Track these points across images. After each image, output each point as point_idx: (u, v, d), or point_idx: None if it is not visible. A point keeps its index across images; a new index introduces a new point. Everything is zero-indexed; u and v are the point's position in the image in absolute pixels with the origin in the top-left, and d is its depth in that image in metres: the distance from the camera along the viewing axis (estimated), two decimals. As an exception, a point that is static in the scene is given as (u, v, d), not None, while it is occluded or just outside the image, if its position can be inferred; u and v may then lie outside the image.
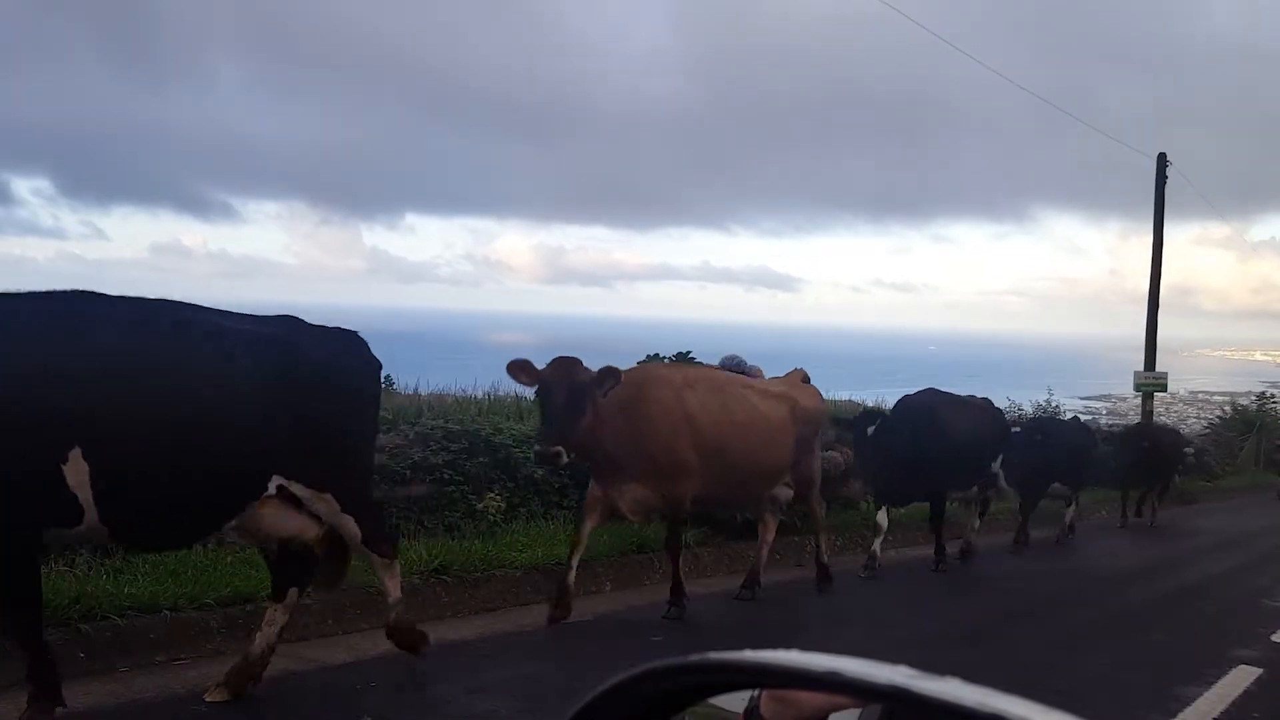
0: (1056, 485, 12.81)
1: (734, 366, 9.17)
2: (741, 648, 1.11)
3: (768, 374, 9.13)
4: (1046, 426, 13.48)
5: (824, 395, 9.38)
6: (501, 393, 12.71)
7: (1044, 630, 7.77)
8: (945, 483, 10.08)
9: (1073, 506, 13.52)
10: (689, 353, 10.28)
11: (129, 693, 4.95)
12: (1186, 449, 21.63)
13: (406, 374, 12.96)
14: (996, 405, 11.99)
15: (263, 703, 4.95)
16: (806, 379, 8.63)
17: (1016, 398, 20.81)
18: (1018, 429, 12.34)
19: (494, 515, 8.09)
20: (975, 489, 10.94)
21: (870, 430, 9.45)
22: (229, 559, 6.33)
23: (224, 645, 5.64)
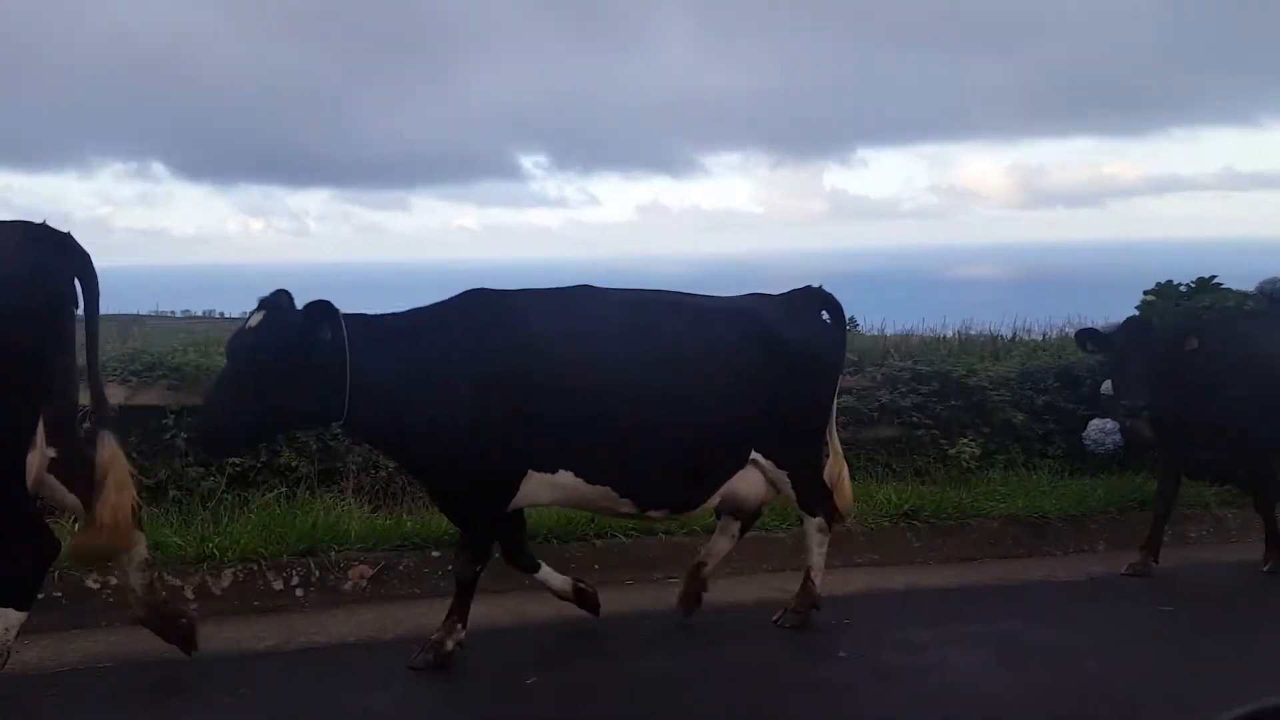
0: None
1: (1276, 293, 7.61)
2: None
3: None
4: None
5: None
6: (973, 332, 12.13)
7: None
8: None
9: None
10: (1213, 278, 8.47)
11: (635, 602, 5.61)
12: None
13: (872, 314, 12.90)
14: None
15: (736, 623, 5.29)
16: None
17: None
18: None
19: (967, 462, 7.76)
20: None
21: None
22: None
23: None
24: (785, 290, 5.47)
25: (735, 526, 5.43)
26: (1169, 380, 6.16)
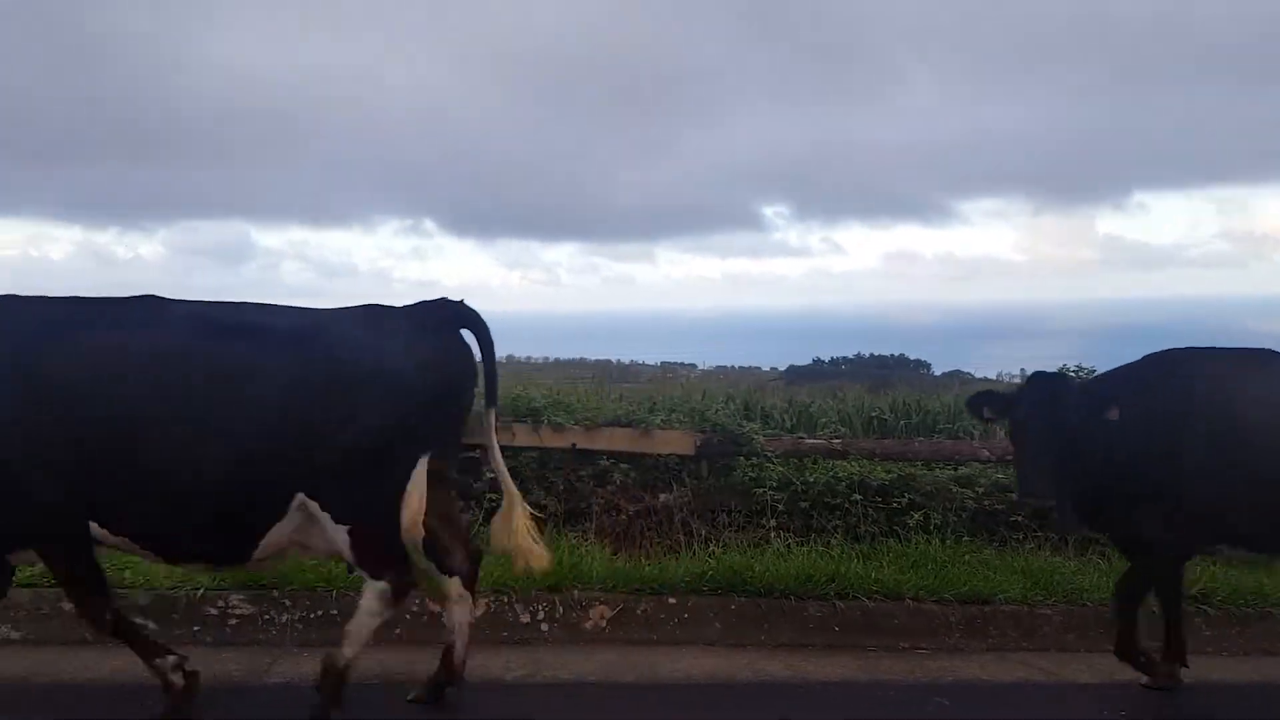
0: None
1: None
2: None
3: None
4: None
5: None
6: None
7: None
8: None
9: None
10: None
11: (876, 670, 5.34)
12: None
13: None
14: None
15: (998, 705, 4.90)
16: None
17: None
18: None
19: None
20: None
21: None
22: (967, 557, 6.43)
23: (962, 642, 5.74)
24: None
25: (455, 585, 4.65)
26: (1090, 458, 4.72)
